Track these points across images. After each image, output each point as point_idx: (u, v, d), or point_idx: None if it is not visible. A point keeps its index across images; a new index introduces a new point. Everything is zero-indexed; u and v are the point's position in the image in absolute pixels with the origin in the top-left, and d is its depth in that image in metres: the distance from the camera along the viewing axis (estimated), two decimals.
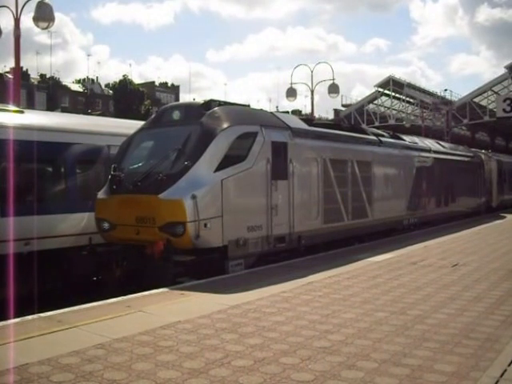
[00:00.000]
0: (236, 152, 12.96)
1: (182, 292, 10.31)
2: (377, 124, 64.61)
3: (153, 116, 15.04)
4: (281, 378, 5.89)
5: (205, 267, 12.13)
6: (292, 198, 14.48)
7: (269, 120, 14.75)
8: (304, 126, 16.21)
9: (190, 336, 7.38)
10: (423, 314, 8.68)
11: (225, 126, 12.93)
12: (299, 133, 15.31)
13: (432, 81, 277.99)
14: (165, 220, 11.81)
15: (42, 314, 8.57)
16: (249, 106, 16.76)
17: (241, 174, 12.83)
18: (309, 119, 20.19)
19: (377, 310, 8.94)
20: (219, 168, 12.35)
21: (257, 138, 13.50)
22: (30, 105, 65.89)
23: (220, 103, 14.07)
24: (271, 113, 16.61)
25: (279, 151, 14.14)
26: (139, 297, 9.95)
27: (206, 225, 11.81)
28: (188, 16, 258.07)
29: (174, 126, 13.41)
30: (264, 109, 19.35)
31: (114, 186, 12.89)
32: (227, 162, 12.55)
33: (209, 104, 13.68)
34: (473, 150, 36.86)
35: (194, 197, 11.61)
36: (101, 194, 13.21)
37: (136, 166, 13.31)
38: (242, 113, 14.46)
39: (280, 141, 14.27)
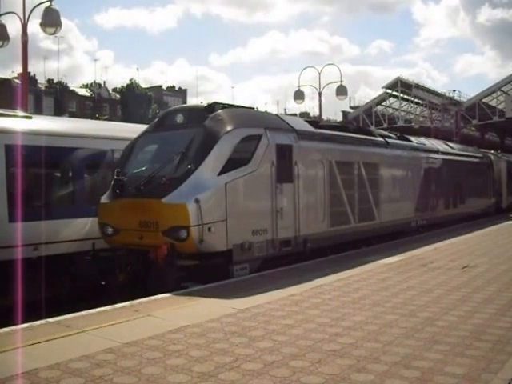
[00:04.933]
0: (240, 155, 12.84)
1: (190, 296, 10.29)
2: (385, 126, 64.42)
3: (156, 119, 14.93)
4: (291, 381, 5.86)
5: (209, 272, 12.01)
6: (297, 201, 14.36)
7: (273, 122, 14.65)
8: (309, 128, 16.09)
9: (199, 340, 7.37)
10: (433, 316, 8.64)
11: (228, 128, 12.82)
12: (304, 135, 15.19)
13: (438, 82, 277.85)
14: (168, 224, 11.72)
15: (50, 319, 8.56)
16: (253, 108, 16.60)
17: (245, 178, 12.72)
18: (315, 121, 20.07)
19: (386, 312, 8.90)
20: (223, 171, 12.24)
21: (261, 141, 13.38)
22: (38, 110, 65.98)
23: (224, 106, 13.93)
24: (276, 115, 16.49)
25: (284, 154, 14.02)
26: (147, 301, 9.93)
27: (209, 229, 11.69)
28: (190, 20, 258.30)
29: (178, 129, 13.31)
30: (271, 111, 19.31)
31: (117, 191, 12.80)
32: (231, 165, 12.44)
33: (212, 107, 13.56)
34: (482, 150, 36.71)
35: (197, 201, 11.51)
36: (104, 199, 13.13)
37: (139, 169, 13.17)
38: (245, 115, 14.36)
39: (285, 143, 14.14)
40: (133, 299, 10.00)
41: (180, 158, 12.38)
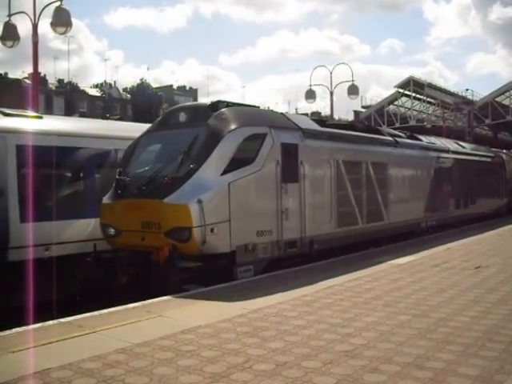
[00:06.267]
0: (244, 154, 12.64)
1: (202, 297, 10.23)
2: (397, 125, 64.31)
3: (159, 118, 14.68)
4: (303, 382, 5.85)
5: (212, 274, 11.82)
6: (303, 202, 14.12)
7: (278, 121, 14.40)
8: (316, 126, 15.85)
9: (211, 340, 7.35)
10: (446, 316, 8.59)
11: (232, 127, 12.61)
12: (311, 134, 14.94)
13: (450, 81, 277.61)
14: (170, 225, 11.52)
15: (62, 320, 8.58)
16: (258, 107, 16.38)
17: (249, 177, 12.49)
18: (321, 120, 19.71)
19: (399, 313, 8.86)
20: (226, 171, 12.03)
21: (266, 140, 13.15)
22: (49, 110, 66.27)
23: (228, 104, 13.72)
24: (281, 113, 16.26)
25: (289, 153, 13.78)
26: (159, 302, 9.92)
27: (212, 230, 11.48)
28: (200, 20, 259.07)
29: (181, 128, 13.08)
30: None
31: (119, 191, 12.64)
32: (234, 164, 12.24)
33: (216, 105, 13.35)
34: (493, 149, 36.44)
35: (199, 201, 11.29)
36: (106, 199, 12.94)
37: (141, 169, 12.99)
38: (250, 114, 14.11)
39: (290, 142, 13.91)
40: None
41: (182, 157, 12.16)
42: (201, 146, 12.31)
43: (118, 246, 12.62)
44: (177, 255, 11.34)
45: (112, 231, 12.67)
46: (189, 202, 11.37)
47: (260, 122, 13.56)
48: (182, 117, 13.35)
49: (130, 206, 12.29)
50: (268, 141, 13.22)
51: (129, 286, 11.89)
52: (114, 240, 12.68)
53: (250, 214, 12.51)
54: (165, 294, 10.37)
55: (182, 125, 13.18)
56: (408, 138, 22.37)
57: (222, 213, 11.81)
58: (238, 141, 12.58)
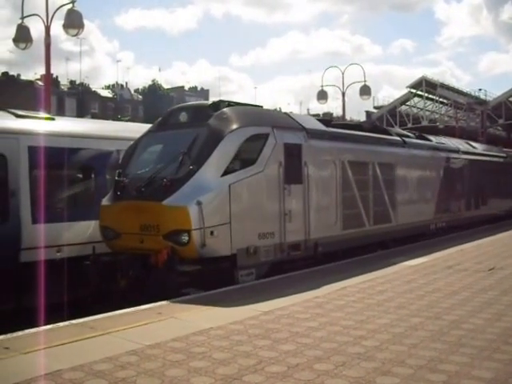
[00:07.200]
0: (245, 155, 12.43)
1: (213, 298, 10.21)
2: (410, 125, 64.04)
3: (160, 118, 14.36)
4: None
5: (213, 277, 11.58)
6: (307, 203, 13.86)
7: (282, 121, 14.15)
8: (321, 126, 15.57)
9: (222, 342, 7.33)
10: (459, 319, 8.52)
11: (233, 127, 12.38)
12: (315, 134, 14.67)
13: (462, 81, 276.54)
14: (169, 228, 11.31)
15: (73, 321, 8.58)
16: (261, 106, 16.21)
17: (250, 179, 12.24)
18: (326, 120, 19.45)
19: (412, 315, 8.80)
20: (227, 172, 11.81)
21: (268, 140, 12.90)
22: (61, 111, 66.64)
23: (229, 104, 13.49)
24: (285, 113, 16.07)
25: (293, 154, 13.52)
26: (170, 303, 9.90)
27: (212, 232, 11.25)
28: (210, 21, 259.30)
29: (181, 128, 12.86)
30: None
31: (118, 192, 12.43)
32: (235, 165, 12.06)
33: (217, 105, 13.14)
34: (506, 150, 36.18)
35: (199, 203, 11.06)
36: (105, 201, 12.73)
37: (140, 171, 12.77)
38: (252, 113, 13.83)
39: (294, 143, 13.65)
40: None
41: (182, 158, 11.91)
42: (201, 146, 12.07)
43: (117, 248, 12.40)
44: (176, 258, 11.15)
45: (111, 234, 12.45)
46: (188, 204, 11.16)
47: (262, 122, 13.33)
48: (183, 117, 13.11)
49: (128, 208, 12.06)
50: (270, 141, 12.97)
51: (128, 289, 11.74)
52: (113, 243, 12.46)
53: (251, 216, 12.27)
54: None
55: (182, 125, 12.95)
56: (417, 138, 22.07)
57: (223, 215, 11.59)
58: (240, 141, 12.35)
